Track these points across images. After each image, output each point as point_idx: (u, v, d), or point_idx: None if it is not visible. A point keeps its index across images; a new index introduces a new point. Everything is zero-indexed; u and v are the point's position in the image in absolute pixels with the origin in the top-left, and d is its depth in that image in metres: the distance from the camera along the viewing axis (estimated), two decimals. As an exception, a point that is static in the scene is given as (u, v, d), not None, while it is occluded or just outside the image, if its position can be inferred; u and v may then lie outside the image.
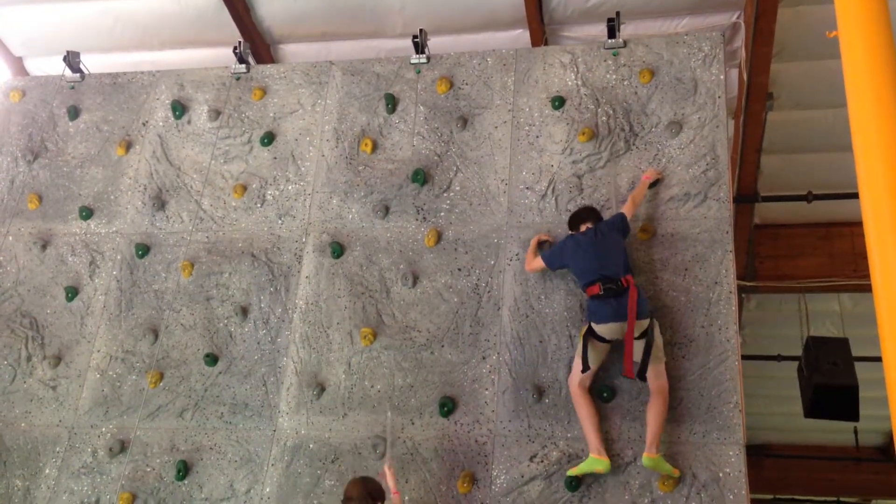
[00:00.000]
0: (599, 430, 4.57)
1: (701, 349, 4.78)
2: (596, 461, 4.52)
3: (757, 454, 10.54)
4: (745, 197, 7.22)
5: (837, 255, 7.96)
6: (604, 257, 4.72)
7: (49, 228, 6.02)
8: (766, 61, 6.18)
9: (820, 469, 11.37)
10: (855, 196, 3.38)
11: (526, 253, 5.16)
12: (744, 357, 4.92)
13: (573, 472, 4.58)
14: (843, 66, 3.44)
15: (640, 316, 4.59)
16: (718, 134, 5.27)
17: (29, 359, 5.65)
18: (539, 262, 5.03)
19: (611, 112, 5.47)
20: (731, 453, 4.53)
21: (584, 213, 5.04)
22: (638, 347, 4.60)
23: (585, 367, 4.62)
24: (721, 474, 4.49)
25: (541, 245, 5.17)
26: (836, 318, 8.87)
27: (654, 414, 4.53)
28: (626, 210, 4.98)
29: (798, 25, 6.21)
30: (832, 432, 10.43)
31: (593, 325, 4.65)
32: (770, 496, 11.81)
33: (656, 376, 4.59)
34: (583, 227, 4.94)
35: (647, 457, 4.46)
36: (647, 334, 4.57)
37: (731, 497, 4.44)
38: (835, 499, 12.11)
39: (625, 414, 4.72)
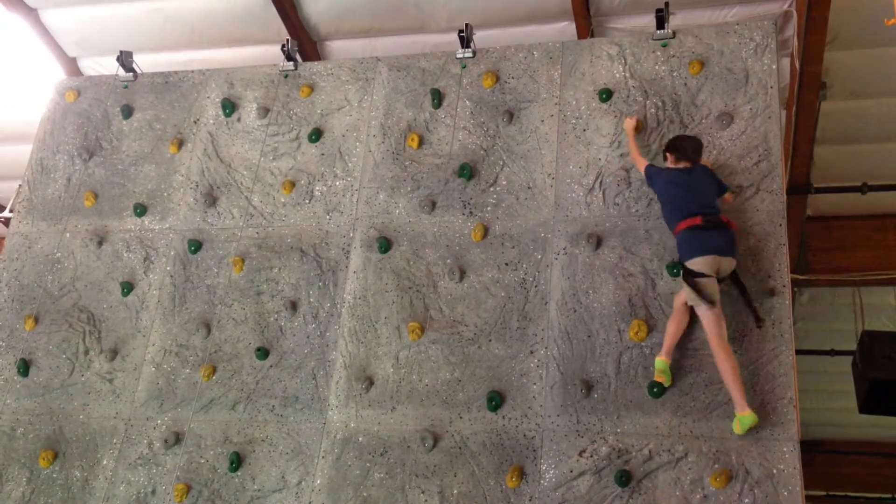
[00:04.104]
0: (674, 340, 4.67)
1: (754, 344, 4.71)
2: (660, 362, 4.63)
3: (810, 450, 10.37)
4: (798, 188, 7.10)
5: (893, 247, 7.79)
6: (705, 195, 4.74)
7: (105, 225, 6.17)
8: (820, 50, 6.06)
9: (874, 465, 11.15)
10: (913, 187, 3.30)
11: (631, 146, 5.16)
12: (796, 352, 4.85)
13: (658, 373, 4.65)
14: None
15: (736, 255, 4.64)
16: (771, 125, 5.18)
17: (86, 353, 5.80)
18: (642, 164, 5.02)
19: (660, 104, 5.41)
20: (784, 449, 4.46)
21: (694, 144, 4.96)
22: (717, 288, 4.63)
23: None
24: (775, 470, 4.43)
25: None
26: (892, 312, 8.69)
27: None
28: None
29: (852, 13, 6.07)
30: (887, 428, 10.21)
31: (688, 263, 4.61)
32: (823, 493, 11.61)
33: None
34: (681, 164, 4.90)
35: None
36: (737, 275, 4.68)
37: (786, 493, 4.37)
38: (889, 496, 11.86)
39: (675, 409, 4.68)
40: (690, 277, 4.58)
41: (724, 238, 4.63)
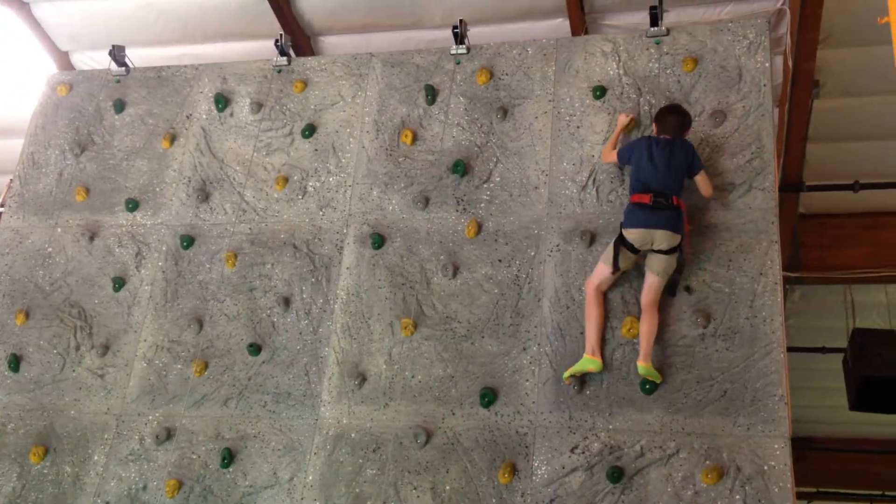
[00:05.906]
0: (601, 333, 4.79)
1: (746, 341, 4.72)
2: (589, 361, 4.74)
3: (801, 447, 10.39)
4: (790, 186, 7.12)
5: (884, 244, 7.81)
6: (667, 174, 4.80)
7: (96, 220, 6.14)
8: (813, 48, 6.07)
9: (865, 462, 11.20)
10: (905, 185, 3.31)
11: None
12: (788, 349, 4.87)
13: (567, 373, 4.78)
14: (894, 52, 3.37)
15: (677, 230, 4.72)
16: (764, 123, 5.19)
17: (77, 348, 5.78)
18: (612, 157, 5.13)
19: (653, 101, 5.41)
20: (776, 446, 4.48)
21: (676, 120, 5.00)
22: (665, 262, 4.74)
23: (615, 268, 4.78)
24: (766, 467, 4.44)
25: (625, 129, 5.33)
26: (883, 310, 8.71)
27: (648, 327, 4.72)
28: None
29: (845, 11, 6.08)
30: (878, 425, 10.24)
31: (625, 230, 4.77)
32: (814, 489, 11.66)
33: (654, 292, 4.77)
34: (662, 136, 4.97)
35: (642, 365, 4.65)
36: (677, 250, 4.74)
37: (776, 490, 4.39)
38: (880, 492, 11.92)
39: (667, 406, 4.69)
40: (620, 243, 4.78)
41: (665, 215, 4.72)
